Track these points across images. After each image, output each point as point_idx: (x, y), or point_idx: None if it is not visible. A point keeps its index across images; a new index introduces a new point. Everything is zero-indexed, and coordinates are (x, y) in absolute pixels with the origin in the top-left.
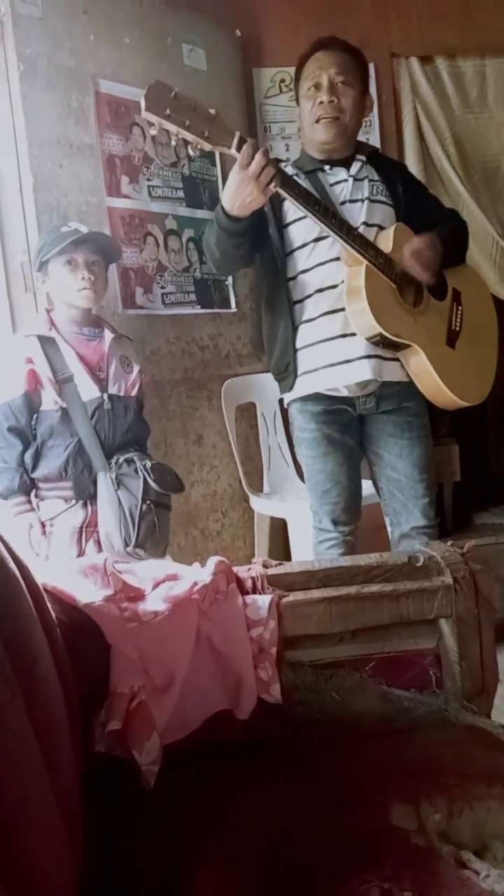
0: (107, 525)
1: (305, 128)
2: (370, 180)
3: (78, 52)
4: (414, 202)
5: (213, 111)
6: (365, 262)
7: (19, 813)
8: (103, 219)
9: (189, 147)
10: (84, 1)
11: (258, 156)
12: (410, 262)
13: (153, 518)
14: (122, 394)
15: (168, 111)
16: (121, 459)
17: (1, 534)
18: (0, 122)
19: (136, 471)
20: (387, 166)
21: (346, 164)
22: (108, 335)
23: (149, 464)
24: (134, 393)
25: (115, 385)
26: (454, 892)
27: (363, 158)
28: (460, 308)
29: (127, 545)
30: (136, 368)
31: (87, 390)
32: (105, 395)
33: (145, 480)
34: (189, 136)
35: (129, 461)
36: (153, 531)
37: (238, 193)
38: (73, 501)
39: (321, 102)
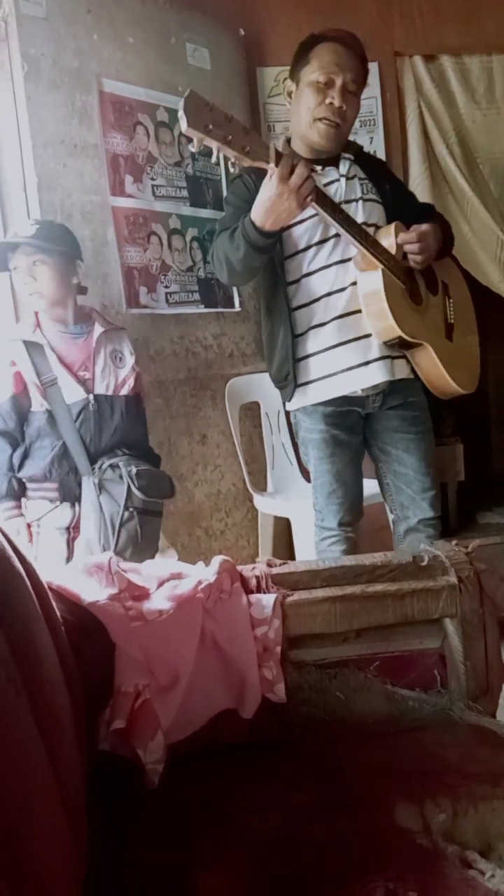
0: (87, 531)
1: (302, 118)
2: (360, 179)
3: (82, 51)
4: (399, 199)
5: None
6: (381, 266)
7: (24, 812)
8: (107, 218)
9: (230, 163)
10: (88, 1)
11: (300, 168)
12: (410, 240)
13: (136, 526)
14: (110, 392)
15: (210, 126)
16: (105, 464)
17: (6, 533)
18: (4, 122)
19: (120, 477)
20: (371, 164)
21: (334, 162)
22: (98, 330)
23: (135, 470)
24: (124, 391)
25: (103, 383)
26: (459, 893)
27: (350, 157)
28: (451, 300)
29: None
30: (129, 362)
31: (72, 392)
32: (91, 396)
33: (129, 487)
34: (230, 153)
35: (113, 466)
36: (134, 540)
37: (274, 208)
38: (59, 503)
39: (330, 103)
